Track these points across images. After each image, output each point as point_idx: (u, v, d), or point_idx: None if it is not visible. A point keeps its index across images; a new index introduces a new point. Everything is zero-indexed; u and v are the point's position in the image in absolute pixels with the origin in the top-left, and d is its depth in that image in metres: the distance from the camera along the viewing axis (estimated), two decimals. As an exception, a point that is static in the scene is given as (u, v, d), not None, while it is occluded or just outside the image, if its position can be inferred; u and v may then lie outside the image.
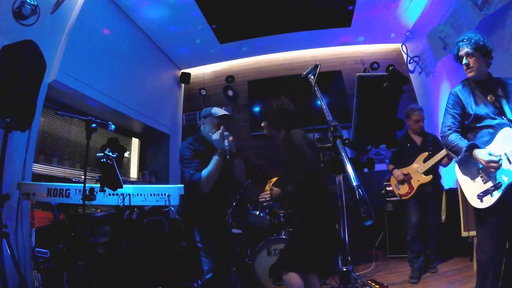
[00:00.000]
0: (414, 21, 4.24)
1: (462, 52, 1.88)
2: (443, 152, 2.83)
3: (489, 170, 1.72)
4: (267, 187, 2.35)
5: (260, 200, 2.32)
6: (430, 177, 2.92)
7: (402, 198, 3.07)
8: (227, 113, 2.22)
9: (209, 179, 2.02)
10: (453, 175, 3.62)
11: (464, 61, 1.87)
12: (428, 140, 3.11)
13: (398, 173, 3.06)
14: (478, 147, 1.78)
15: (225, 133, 2.06)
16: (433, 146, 3.01)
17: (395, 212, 3.65)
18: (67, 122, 3.47)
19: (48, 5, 2.71)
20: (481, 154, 1.73)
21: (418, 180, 2.96)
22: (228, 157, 2.03)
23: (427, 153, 2.98)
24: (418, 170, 2.97)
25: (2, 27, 2.33)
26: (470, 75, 1.89)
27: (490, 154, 1.71)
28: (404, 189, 3.04)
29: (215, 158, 2.04)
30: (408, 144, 3.12)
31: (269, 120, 2.17)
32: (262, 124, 2.22)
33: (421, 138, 3.13)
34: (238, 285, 2.74)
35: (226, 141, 2.04)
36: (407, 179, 3.01)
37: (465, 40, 1.87)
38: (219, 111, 2.21)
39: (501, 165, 1.68)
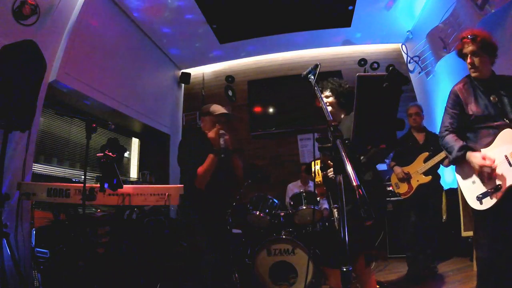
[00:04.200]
0: (414, 21, 4.24)
1: (466, 50, 1.79)
2: (443, 153, 2.81)
3: (482, 174, 1.70)
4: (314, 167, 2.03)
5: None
6: (429, 177, 2.92)
7: (402, 197, 3.09)
8: (226, 111, 2.23)
9: (204, 176, 2.05)
10: (454, 175, 3.63)
11: (469, 59, 1.79)
12: (430, 139, 3.10)
13: (399, 170, 3.07)
14: (470, 149, 1.76)
15: (221, 131, 2.09)
16: (434, 146, 2.97)
17: (395, 212, 3.65)
18: (67, 122, 3.47)
19: (48, 5, 2.71)
20: (474, 157, 1.71)
21: (418, 180, 2.97)
22: (222, 155, 2.04)
23: (427, 153, 2.98)
24: (418, 170, 2.98)
25: (2, 27, 2.33)
26: (474, 75, 1.82)
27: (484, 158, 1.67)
28: (403, 188, 3.06)
29: (210, 156, 2.06)
30: (409, 142, 3.12)
31: (339, 97, 1.98)
32: (330, 97, 1.99)
33: (423, 136, 3.12)
34: (238, 285, 2.74)
35: (221, 140, 2.07)
36: (407, 177, 3.02)
37: (470, 37, 1.77)
38: (218, 109, 2.22)
39: (494, 170, 1.65)
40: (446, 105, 1.96)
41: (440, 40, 3.46)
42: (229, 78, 5.12)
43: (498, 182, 1.67)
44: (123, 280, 2.40)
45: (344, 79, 4.61)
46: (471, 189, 1.81)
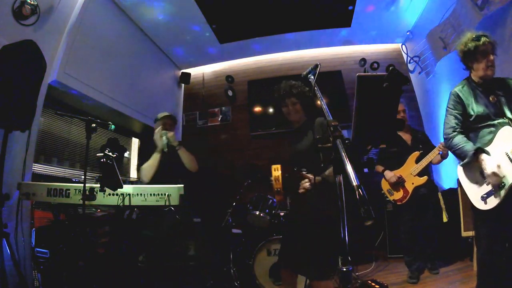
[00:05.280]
0: (414, 21, 4.24)
1: (487, 48, 1.82)
2: (436, 150, 2.74)
3: (489, 179, 1.71)
4: (274, 173, 1.98)
5: (300, 190, 1.88)
6: (425, 178, 2.78)
7: (397, 203, 2.91)
8: (167, 113, 2.68)
9: (146, 171, 2.43)
10: (453, 175, 3.62)
11: (491, 57, 1.82)
12: (418, 138, 2.99)
13: (390, 174, 2.87)
14: (484, 152, 1.76)
15: (162, 131, 2.42)
16: (423, 144, 2.90)
17: (395, 212, 3.64)
18: (67, 122, 3.47)
19: (48, 5, 2.71)
20: (488, 164, 1.71)
21: (413, 183, 2.81)
22: (165, 150, 2.36)
23: (418, 152, 2.84)
24: (411, 172, 2.82)
25: (2, 27, 2.33)
26: (489, 73, 1.84)
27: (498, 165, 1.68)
28: (398, 193, 2.88)
29: (153, 154, 2.41)
30: (397, 143, 2.95)
31: (304, 103, 2.01)
32: (297, 103, 2.01)
33: (410, 136, 2.99)
34: (238, 285, 2.74)
35: (164, 138, 2.37)
36: (400, 181, 2.85)
37: (487, 37, 1.83)
38: (161, 114, 2.67)
39: (503, 182, 1.66)
40: (448, 107, 1.97)
41: (440, 40, 3.46)
42: (229, 78, 5.12)
43: (501, 180, 1.67)
44: (123, 280, 2.39)
45: (344, 79, 4.71)
46: (475, 189, 1.81)
